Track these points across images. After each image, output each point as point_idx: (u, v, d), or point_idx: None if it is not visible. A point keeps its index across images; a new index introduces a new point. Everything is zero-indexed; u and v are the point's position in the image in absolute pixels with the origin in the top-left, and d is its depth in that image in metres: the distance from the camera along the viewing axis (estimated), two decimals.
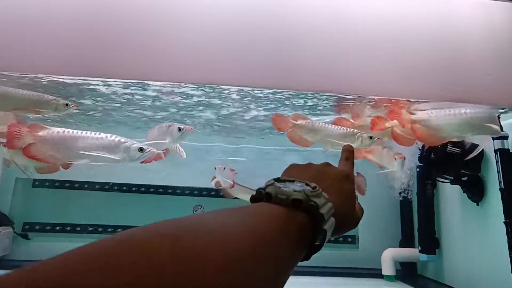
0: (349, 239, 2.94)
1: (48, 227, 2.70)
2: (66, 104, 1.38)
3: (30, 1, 1.36)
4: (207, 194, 2.94)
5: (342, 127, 1.62)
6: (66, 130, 1.39)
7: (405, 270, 2.59)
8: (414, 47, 1.57)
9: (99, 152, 1.34)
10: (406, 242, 2.69)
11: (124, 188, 2.86)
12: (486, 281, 1.86)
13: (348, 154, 0.62)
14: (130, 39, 1.37)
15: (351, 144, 0.70)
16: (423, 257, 2.27)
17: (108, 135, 1.39)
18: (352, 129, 1.60)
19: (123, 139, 1.39)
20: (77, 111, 1.82)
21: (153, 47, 1.37)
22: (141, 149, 1.36)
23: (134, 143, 1.39)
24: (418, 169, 2.44)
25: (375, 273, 2.59)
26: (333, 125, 1.63)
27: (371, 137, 1.58)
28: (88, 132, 1.38)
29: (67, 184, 2.80)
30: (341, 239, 2.94)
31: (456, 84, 1.60)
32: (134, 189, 2.87)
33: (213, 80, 1.42)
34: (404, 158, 1.93)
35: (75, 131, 1.38)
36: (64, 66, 1.28)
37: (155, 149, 1.41)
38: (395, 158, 1.89)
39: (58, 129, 1.39)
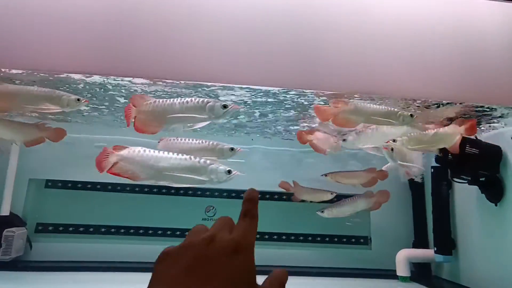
0: (362, 240, 2.94)
1: (61, 228, 2.70)
2: (78, 100, 1.38)
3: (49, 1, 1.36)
4: (218, 195, 2.94)
5: (384, 106, 1.60)
6: (149, 150, 1.40)
7: (419, 271, 2.58)
8: (433, 48, 1.57)
9: (184, 173, 1.36)
10: (419, 242, 2.68)
11: (137, 189, 2.86)
12: (505, 282, 1.85)
13: (249, 206, 0.48)
14: (149, 39, 1.37)
15: (255, 190, 0.52)
16: (439, 257, 2.26)
17: (192, 157, 1.41)
18: (393, 108, 1.59)
19: (208, 161, 1.41)
20: (87, 107, 1.80)
21: (172, 46, 1.37)
22: (229, 172, 1.41)
23: (221, 165, 1.42)
24: (432, 170, 2.43)
25: (389, 274, 2.58)
26: (375, 105, 1.60)
27: (411, 115, 1.57)
28: (172, 153, 1.40)
29: (79, 185, 2.80)
30: (353, 240, 2.94)
31: (475, 85, 1.60)
32: (146, 189, 2.87)
33: (233, 80, 1.42)
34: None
35: (158, 151, 1.40)
36: (88, 65, 1.28)
37: (239, 172, 1.45)
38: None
39: (139, 148, 1.40)
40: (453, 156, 1.99)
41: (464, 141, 1.94)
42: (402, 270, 2.45)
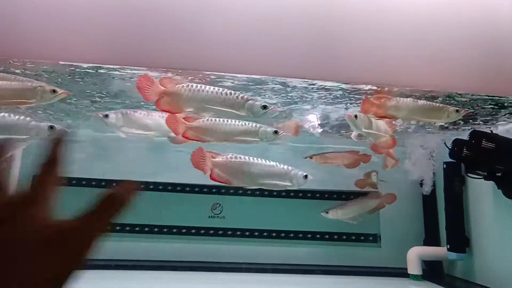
0: (371, 238, 2.88)
1: None
2: (53, 91, 1.29)
3: None
4: (225, 192, 2.89)
5: (427, 102, 1.56)
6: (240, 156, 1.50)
7: (430, 269, 2.53)
8: (452, 39, 1.52)
9: (273, 180, 1.49)
10: (430, 240, 2.63)
11: (141, 186, 2.81)
12: None
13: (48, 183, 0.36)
14: (174, 30, 1.32)
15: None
16: (452, 255, 2.21)
17: (277, 163, 1.52)
18: (438, 104, 1.56)
19: (290, 167, 1.56)
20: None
21: (196, 37, 1.32)
22: (305, 176, 1.56)
23: (300, 171, 1.56)
24: (445, 165, 2.38)
25: (400, 272, 2.54)
26: (417, 100, 1.56)
27: (457, 111, 1.54)
28: (261, 160, 1.51)
29: (84, 182, 2.76)
30: (362, 237, 2.89)
31: (496, 76, 1.54)
32: (151, 187, 2.83)
33: (254, 72, 1.37)
34: None
35: (248, 158, 1.51)
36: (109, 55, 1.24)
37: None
38: None
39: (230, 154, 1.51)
40: (469, 151, 1.95)
41: (480, 135, 1.89)
42: (413, 268, 2.40)
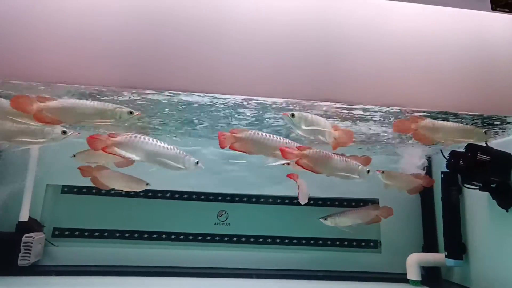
0: (371, 244, 2.98)
1: (76, 233, 2.75)
2: (130, 112, 1.44)
3: (84, 16, 1.42)
4: (230, 199, 2.98)
5: (460, 124, 1.69)
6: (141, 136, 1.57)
7: (429, 274, 2.62)
8: (448, 61, 1.62)
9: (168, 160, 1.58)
10: (429, 247, 2.72)
11: (150, 194, 2.91)
12: None
13: None
14: (179, 54, 1.42)
15: None
16: (450, 262, 2.30)
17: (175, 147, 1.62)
18: (468, 125, 1.69)
19: (185, 153, 1.65)
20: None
21: (200, 60, 1.42)
22: (197, 162, 1.65)
23: (192, 158, 1.65)
24: (442, 175, 2.48)
25: (400, 278, 2.62)
26: (451, 123, 1.68)
27: (485, 132, 1.68)
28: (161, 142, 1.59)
29: (94, 191, 2.85)
30: (363, 243, 2.98)
31: (488, 96, 1.64)
32: (159, 195, 2.92)
33: (259, 93, 1.47)
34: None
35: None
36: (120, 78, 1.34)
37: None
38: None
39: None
40: (465, 163, 2.04)
41: (476, 148, 1.98)
42: (413, 274, 2.49)
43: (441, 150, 2.31)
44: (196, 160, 1.64)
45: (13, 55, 1.37)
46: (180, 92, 1.42)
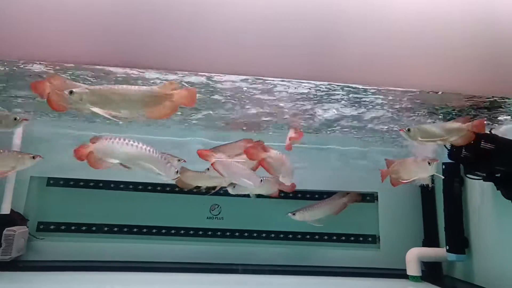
0: (370, 239, 2.87)
1: (62, 227, 2.64)
2: (15, 119, 1.41)
3: None
4: (223, 193, 2.87)
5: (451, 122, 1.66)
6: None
7: (430, 270, 2.52)
8: (458, 41, 1.51)
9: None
10: (429, 241, 2.62)
11: (140, 187, 2.80)
12: None
13: None
14: (174, 31, 1.31)
15: None
16: (452, 256, 2.20)
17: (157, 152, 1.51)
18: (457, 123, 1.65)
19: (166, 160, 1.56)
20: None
21: (196, 39, 1.32)
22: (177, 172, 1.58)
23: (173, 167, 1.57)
24: (444, 166, 2.37)
25: (399, 274, 2.52)
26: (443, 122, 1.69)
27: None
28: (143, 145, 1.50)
29: (81, 183, 2.74)
30: (361, 238, 2.88)
31: (499, 77, 1.53)
32: (149, 188, 2.81)
33: (256, 73, 1.37)
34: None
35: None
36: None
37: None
38: (429, 163, 1.81)
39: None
40: (468, 152, 1.94)
41: (479, 136, 1.88)
42: (412, 269, 2.39)
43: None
44: (177, 170, 1.56)
45: None
46: (177, 72, 1.32)
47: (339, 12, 1.42)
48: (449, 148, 2.07)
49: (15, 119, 1.45)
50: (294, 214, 2.47)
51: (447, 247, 2.25)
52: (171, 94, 1.29)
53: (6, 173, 1.51)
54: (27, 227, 2.44)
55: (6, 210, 2.32)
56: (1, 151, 1.49)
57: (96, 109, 1.27)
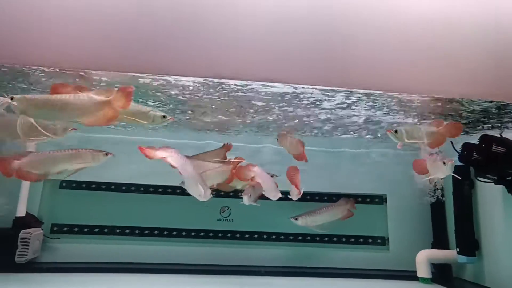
0: (379, 241, 2.89)
1: (76, 229, 2.68)
2: (163, 116, 1.44)
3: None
4: (233, 195, 2.90)
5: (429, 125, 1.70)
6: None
7: (439, 272, 2.53)
8: (465, 46, 1.53)
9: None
10: (438, 243, 2.64)
11: (151, 189, 2.83)
12: None
13: None
14: (177, 36, 1.34)
15: None
16: (462, 259, 2.22)
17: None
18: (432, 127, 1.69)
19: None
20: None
21: (205, 45, 1.34)
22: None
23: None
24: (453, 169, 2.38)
25: (409, 275, 2.54)
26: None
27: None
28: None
29: (93, 186, 2.78)
30: (370, 240, 2.90)
31: (505, 82, 1.55)
32: (160, 190, 2.85)
33: (265, 78, 1.39)
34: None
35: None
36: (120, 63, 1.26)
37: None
38: (444, 163, 1.82)
39: None
40: (479, 155, 1.95)
41: (490, 139, 1.89)
42: (423, 271, 2.40)
43: (451, 142, 2.22)
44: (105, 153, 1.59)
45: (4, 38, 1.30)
46: (182, 77, 1.34)
47: (346, 19, 1.44)
48: (459, 151, 2.09)
49: (164, 116, 1.49)
50: (296, 219, 2.47)
51: (458, 249, 2.26)
52: (108, 101, 1.26)
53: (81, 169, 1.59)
54: (42, 229, 2.48)
55: (21, 212, 2.37)
56: (79, 149, 1.58)
57: (27, 119, 1.27)
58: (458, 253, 2.25)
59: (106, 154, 1.58)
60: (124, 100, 1.25)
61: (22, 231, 2.27)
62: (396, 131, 1.67)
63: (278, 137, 2.15)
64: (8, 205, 2.38)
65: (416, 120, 2.00)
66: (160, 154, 1.47)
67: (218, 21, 1.36)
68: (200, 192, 1.61)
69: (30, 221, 2.40)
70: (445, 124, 1.72)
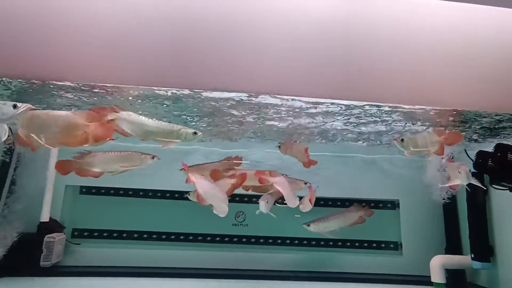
0: (392, 245, 2.92)
1: (95, 233, 2.76)
2: (195, 133, 1.48)
3: (121, 17, 1.40)
4: (248, 200, 2.96)
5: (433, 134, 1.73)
6: None
7: (453, 277, 2.56)
8: (488, 60, 1.55)
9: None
10: (451, 248, 2.66)
11: (167, 194, 2.90)
12: None
13: None
14: (212, 52, 1.40)
15: None
16: (477, 264, 2.25)
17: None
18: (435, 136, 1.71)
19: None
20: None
21: (227, 58, 1.40)
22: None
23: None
24: None
25: (422, 280, 2.57)
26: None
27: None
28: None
29: (112, 191, 2.85)
30: (382, 245, 2.93)
31: None
32: (177, 195, 2.91)
33: (287, 92, 1.44)
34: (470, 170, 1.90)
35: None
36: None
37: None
38: (459, 172, 1.86)
39: None
40: (494, 163, 1.98)
41: (506, 148, 1.93)
42: (437, 276, 2.43)
43: (465, 150, 2.25)
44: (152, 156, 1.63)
45: (43, 55, 1.36)
46: (210, 91, 1.40)
47: (370, 34, 1.49)
48: (473, 158, 2.12)
49: (195, 133, 1.52)
50: (308, 225, 2.51)
51: (472, 255, 2.29)
52: (87, 125, 1.32)
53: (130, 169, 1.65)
54: (64, 234, 2.56)
55: (45, 218, 2.44)
56: (129, 151, 1.65)
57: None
58: (472, 259, 2.28)
59: (153, 157, 1.63)
60: (101, 132, 1.33)
61: (46, 236, 2.35)
62: (402, 140, 1.70)
63: (280, 146, 2.16)
64: (31, 210, 2.47)
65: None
66: (192, 178, 1.58)
67: (249, 39, 1.42)
68: (225, 211, 1.72)
69: (53, 226, 2.47)
70: (447, 132, 1.75)
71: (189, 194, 2.30)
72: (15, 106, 1.25)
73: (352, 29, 1.49)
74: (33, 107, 1.29)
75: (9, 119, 1.27)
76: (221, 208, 1.73)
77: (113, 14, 1.38)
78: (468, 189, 2.39)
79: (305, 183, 2.15)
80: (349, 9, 1.48)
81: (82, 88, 1.49)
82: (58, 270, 2.43)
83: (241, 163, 2.09)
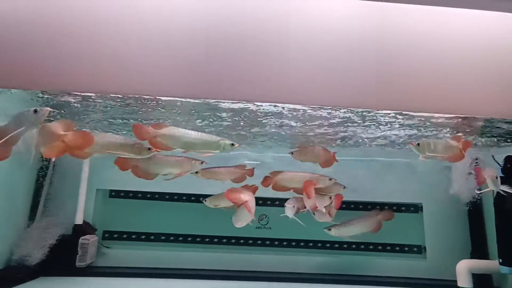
0: (415, 249, 2.92)
1: (125, 236, 2.86)
2: (232, 144, 1.56)
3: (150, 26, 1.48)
4: (271, 203, 3.01)
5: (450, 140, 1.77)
6: None
7: (479, 282, 2.53)
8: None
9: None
10: (477, 253, 2.65)
11: (193, 198, 2.98)
12: None
13: None
14: (244, 63, 1.46)
15: None
16: (505, 269, 2.22)
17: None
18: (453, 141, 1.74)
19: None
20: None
21: (256, 70, 1.45)
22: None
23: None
24: None
25: (446, 285, 2.56)
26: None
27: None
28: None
29: (139, 195, 2.96)
30: (406, 248, 2.94)
31: None
32: (202, 199, 2.98)
33: (318, 102, 1.49)
34: (497, 177, 1.90)
35: None
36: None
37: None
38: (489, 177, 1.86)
39: None
40: None
41: None
42: (464, 281, 2.42)
43: (492, 156, 2.25)
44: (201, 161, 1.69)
45: (73, 66, 1.44)
46: (246, 102, 1.46)
47: (398, 43, 1.52)
48: (501, 164, 2.12)
49: (232, 144, 1.61)
50: (329, 229, 2.52)
51: (500, 260, 2.27)
52: (63, 135, 1.31)
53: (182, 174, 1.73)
54: (96, 236, 2.67)
55: (79, 220, 2.56)
56: (183, 156, 1.71)
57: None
58: (500, 264, 2.26)
59: (202, 163, 1.71)
60: (79, 140, 1.34)
61: (81, 237, 2.46)
62: (418, 144, 1.72)
63: (294, 152, 2.11)
64: (66, 213, 2.59)
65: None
66: (244, 197, 1.65)
67: (290, 52, 1.47)
68: (243, 225, 1.86)
69: (86, 228, 2.59)
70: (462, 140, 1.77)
71: (205, 200, 2.35)
72: (35, 111, 1.27)
73: (386, 39, 1.52)
74: (51, 110, 1.33)
75: (35, 125, 1.29)
76: (243, 223, 1.86)
77: (158, 26, 1.45)
78: (500, 191, 2.38)
79: (330, 179, 2.15)
80: (380, 20, 1.51)
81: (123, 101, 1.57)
82: (92, 271, 2.54)
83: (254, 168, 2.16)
